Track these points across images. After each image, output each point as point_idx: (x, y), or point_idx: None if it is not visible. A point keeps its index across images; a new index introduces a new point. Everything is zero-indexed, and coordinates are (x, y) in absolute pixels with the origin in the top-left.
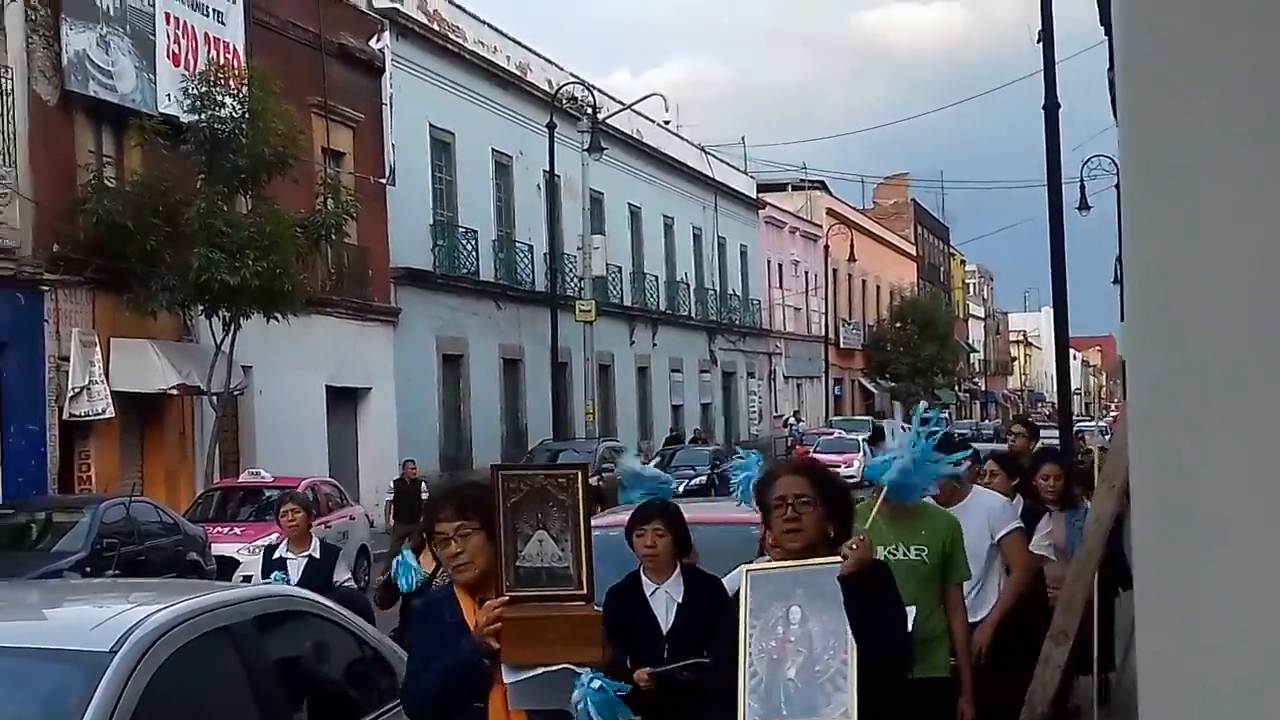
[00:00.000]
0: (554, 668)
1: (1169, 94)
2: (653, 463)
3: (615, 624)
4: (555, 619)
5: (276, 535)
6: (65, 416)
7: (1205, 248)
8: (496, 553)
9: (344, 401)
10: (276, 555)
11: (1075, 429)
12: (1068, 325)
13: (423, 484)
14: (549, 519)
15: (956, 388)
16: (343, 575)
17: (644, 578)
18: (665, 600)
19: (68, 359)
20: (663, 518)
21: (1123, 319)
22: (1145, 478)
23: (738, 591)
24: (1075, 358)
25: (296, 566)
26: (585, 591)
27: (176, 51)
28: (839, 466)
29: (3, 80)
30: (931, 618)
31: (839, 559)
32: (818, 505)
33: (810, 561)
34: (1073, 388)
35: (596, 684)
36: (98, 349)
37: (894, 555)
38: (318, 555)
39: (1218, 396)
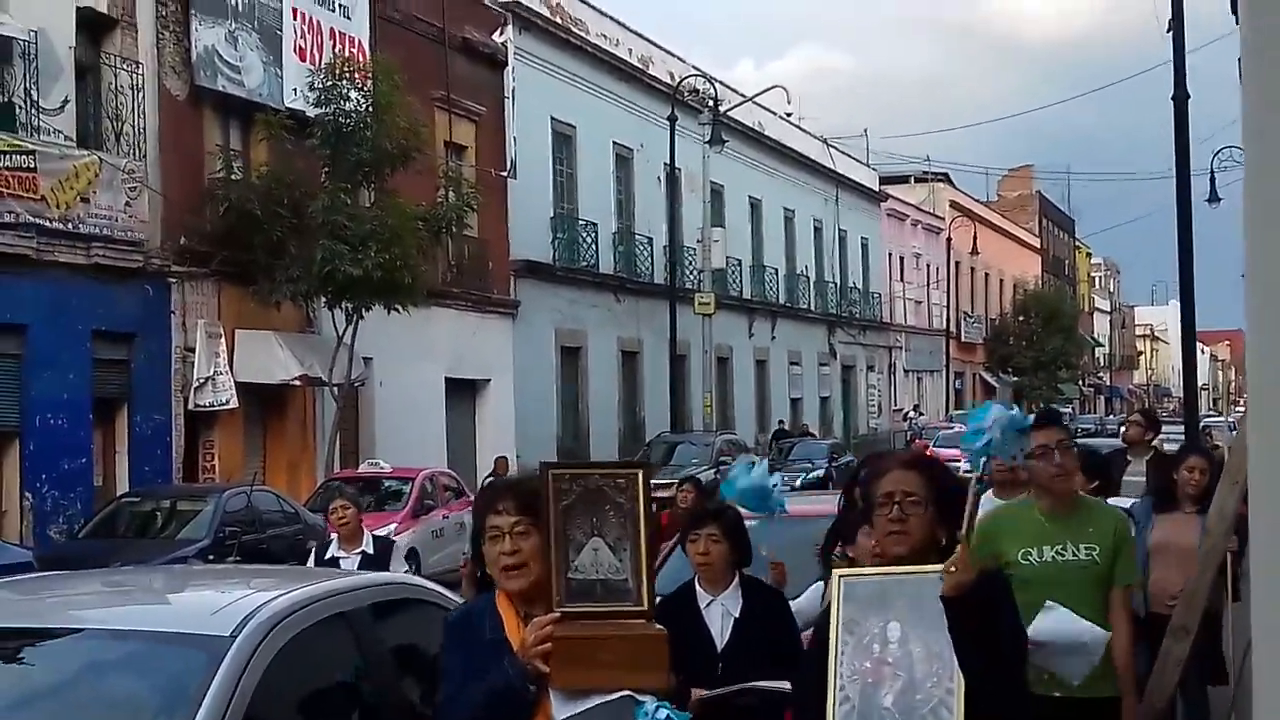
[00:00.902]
0: (613, 696)
1: None
2: (766, 460)
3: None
4: (613, 639)
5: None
6: (190, 406)
7: None
8: (548, 560)
9: (463, 393)
10: (329, 555)
11: (1202, 425)
12: (1195, 318)
13: None
14: (605, 525)
15: (1080, 382)
16: (400, 568)
17: (698, 588)
18: (721, 614)
19: (193, 350)
20: (719, 523)
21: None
22: (1264, 479)
23: (826, 604)
24: (1203, 352)
25: (351, 564)
26: (646, 608)
27: (303, 46)
28: (958, 461)
29: (134, 75)
30: (1102, 622)
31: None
32: (929, 506)
33: (913, 569)
34: (1200, 383)
35: (663, 714)
36: (222, 340)
37: (1063, 556)
38: (371, 551)
39: None
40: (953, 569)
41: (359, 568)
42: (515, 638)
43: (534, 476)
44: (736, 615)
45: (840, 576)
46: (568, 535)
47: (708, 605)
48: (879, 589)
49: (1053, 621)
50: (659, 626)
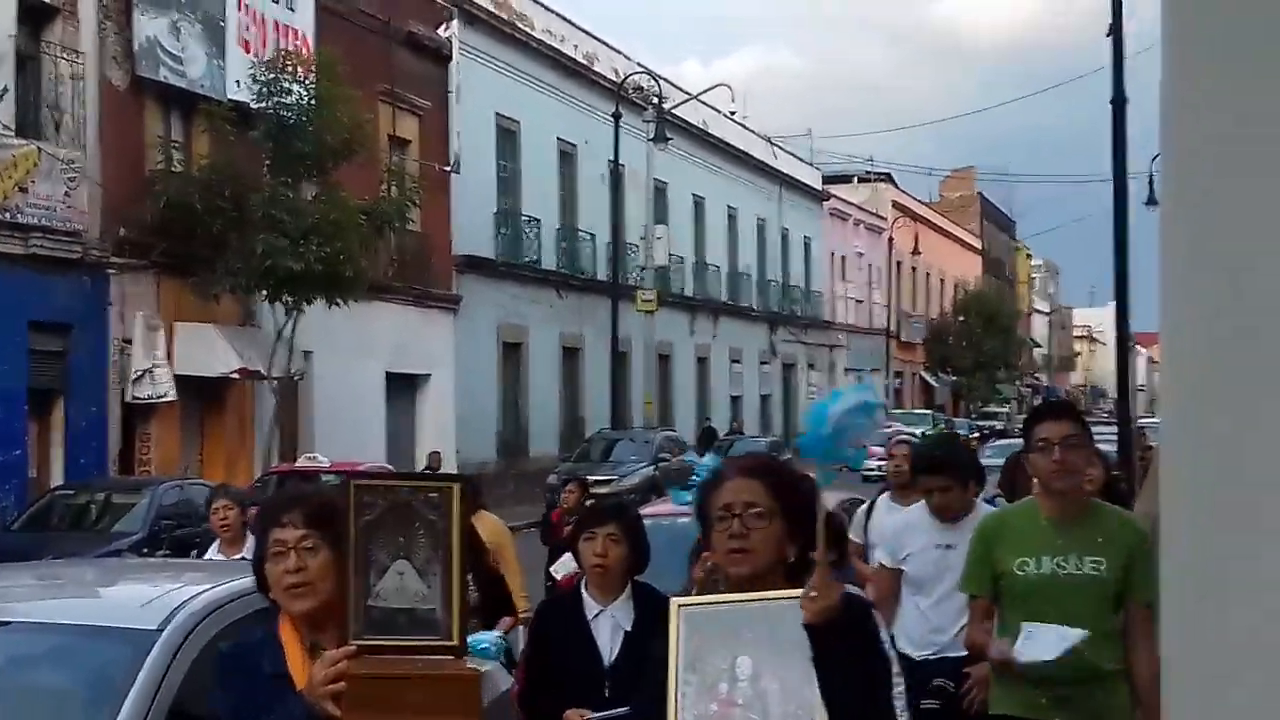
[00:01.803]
0: None
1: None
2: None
3: (548, 652)
4: (416, 679)
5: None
6: (128, 399)
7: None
8: (344, 585)
9: (403, 388)
10: (207, 558)
11: (1136, 426)
12: (1129, 321)
13: None
14: (414, 546)
15: (1019, 383)
16: None
17: (586, 595)
18: (610, 626)
19: (131, 342)
20: (619, 521)
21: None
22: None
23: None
24: (1140, 354)
25: None
26: (456, 642)
27: (247, 38)
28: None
29: (74, 65)
30: (1115, 648)
31: (798, 595)
32: (775, 519)
33: (765, 595)
34: (1138, 383)
35: None
36: (161, 333)
37: (1063, 568)
38: (252, 558)
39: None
40: (813, 594)
41: None
42: (299, 673)
43: (325, 487)
44: (628, 628)
45: (679, 606)
46: (370, 557)
47: (595, 616)
48: (725, 619)
49: (1040, 648)
50: (471, 665)
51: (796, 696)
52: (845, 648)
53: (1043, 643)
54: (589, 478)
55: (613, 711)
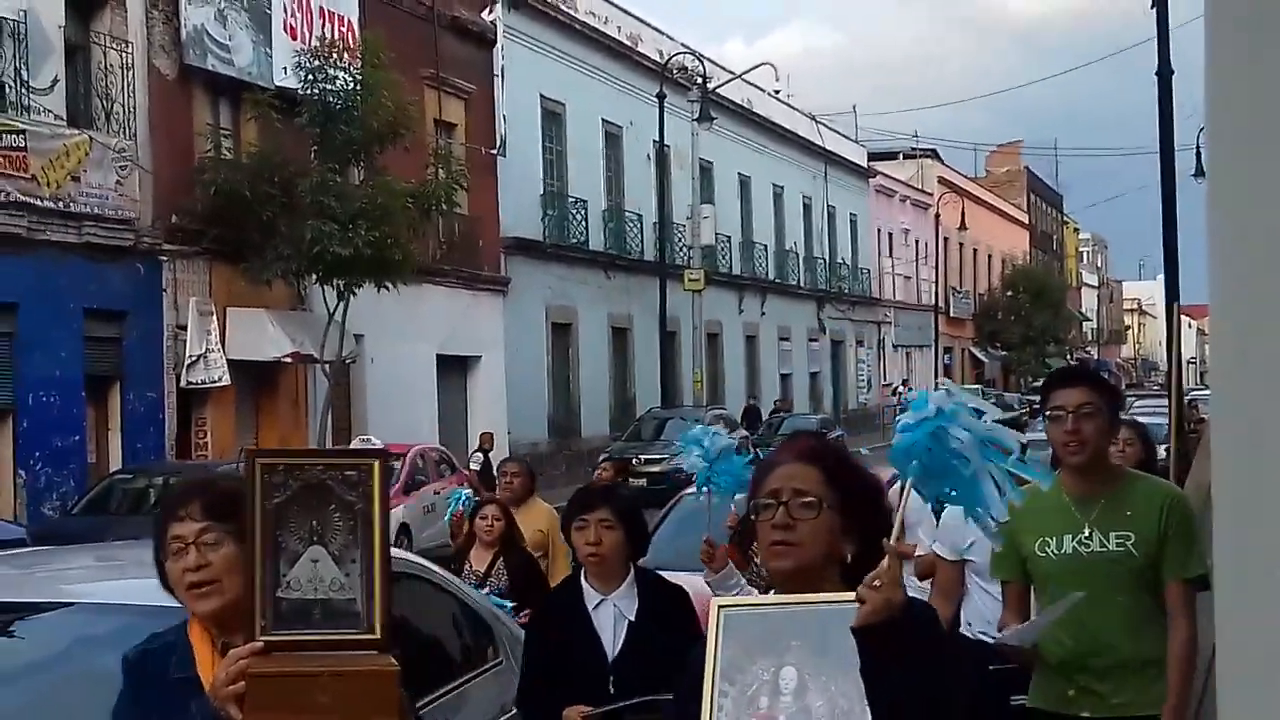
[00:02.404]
0: None
1: (1255, 67)
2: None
3: (546, 645)
4: (329, 676)
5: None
6: (183, 384)
7: None
8: (249, 575)
9: (454, 370)
10: None
11: (1189, 398)
12: (1179, 293)
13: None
14: (329, 530)
15: (1069, 357)
16: None
17: (585, 584)
18: (613, 616)
19: (185, 328)
20: (611, 506)
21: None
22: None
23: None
24: (1190, 326)
25: None
26: (378, 635)
27: (292, 25)
28: None
29: (123, 54)
30: (1150, 632)
31: (855, 600)
32: (827, 509)
33: (816, 598)
34: (1188, 356)
35: None
36: (214, 318)
37: (1086, 547)
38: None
39: None
40: (877, 584)
41: None
42: (209, 675)
43: (229, 475)
44: (631, 618)
45: (720, 608)
46: (279, 543)
47: (597, 606)
48: (768, 624)
49: (1030, 629)
50: (390, 659)
51: (845, 716)
52: (906, 661)
53: (1037, 623)
54: (642, 456)
55: (613, 706)
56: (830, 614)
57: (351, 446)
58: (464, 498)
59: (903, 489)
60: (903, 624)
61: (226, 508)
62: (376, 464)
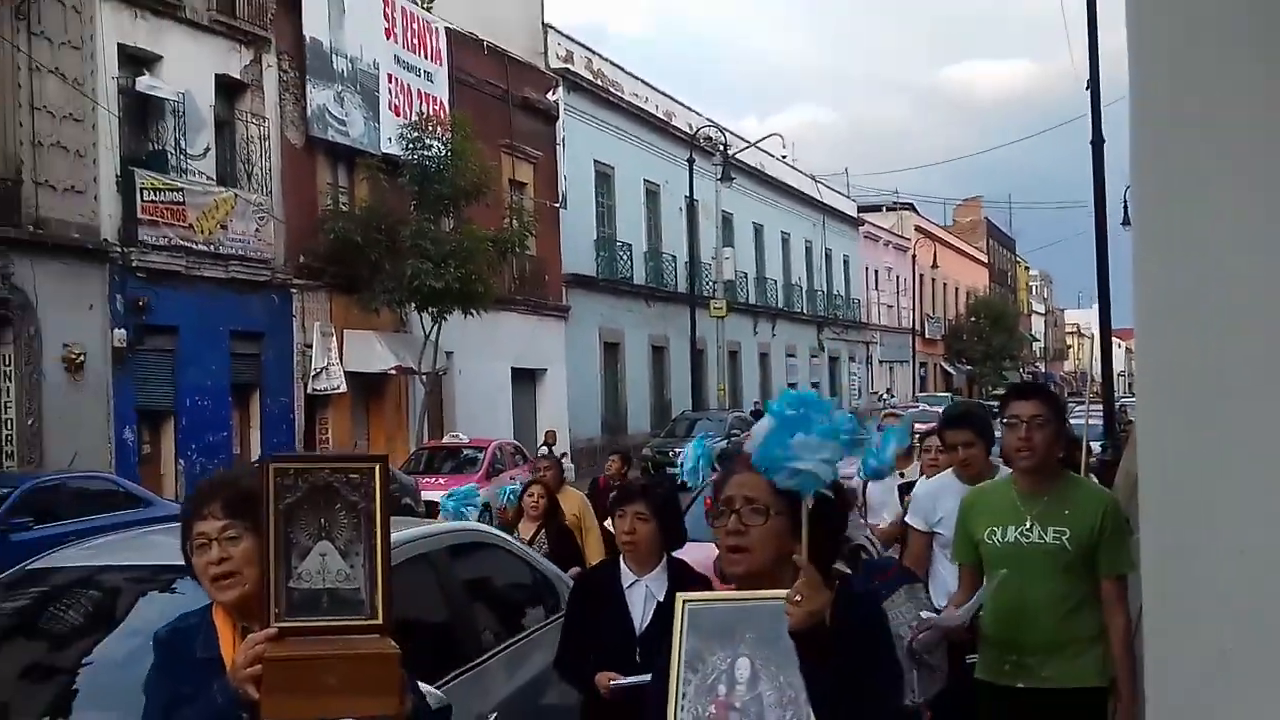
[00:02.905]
0: None
1: (1168, 131)
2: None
3: (583, 618)
4: (335, 659)
5: (474, 485)
6: (309, 391)
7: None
8: (264, 568)
9: (524, 380)
10: None
11: (1119, 404)
12: (1110, 319)
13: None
14: (335, 527)
15: (1021, 370)
16: None
17: (624, 566)
18: (644, 595)
19: (310, 346)
20: (647, 500)
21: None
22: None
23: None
24: (1119, 345)
25: None
26: (380, 620)
27: (396, 104)
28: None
29: (261, 128)
30: (1077, 616)
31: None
32: (775, 515)
33: (766, 594)
34: (1117, 370)
35: None
36: (333, 338)
37: (1026, 539)
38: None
39: (1209, 394)
40: (797, 598)
41: None
42: (230, 656)
43: (246, 475)
44: (660, 599)
45: (684, 601)
46: (290, 539)
47: (630, 585)
48: (726, 617)
49: (966, 614)
50: (392, 643)
51: (792, 705)
52: (843, 657)
53: (970, 606)
54: (676, 450)
55: (637, 678)
56: (779, 609)
57: (444, 441)
58: (509, 492)
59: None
60: (837, 623)
61: (245, 506)
62: (378, 467)
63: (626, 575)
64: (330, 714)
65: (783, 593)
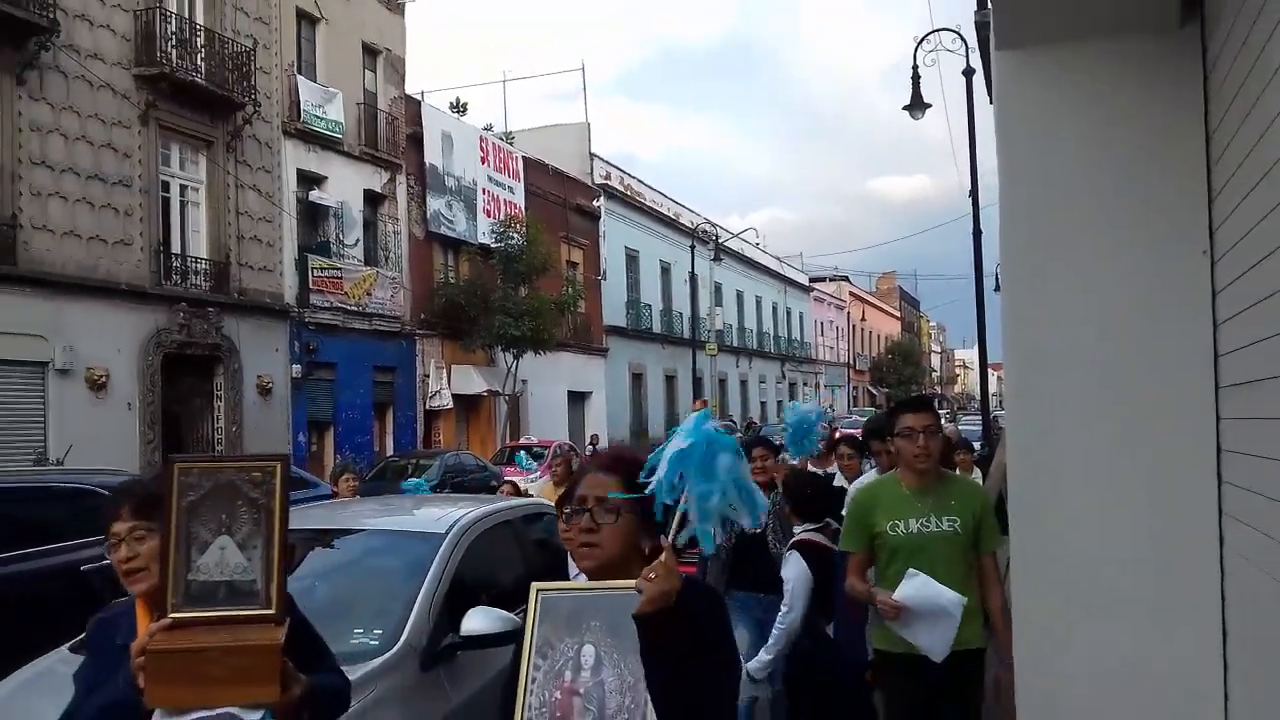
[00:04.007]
0: (214, 713)
1: (1025, 228)
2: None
3: None
4: (216, 651)
5: (540, 473)
6: (426, 408)
7: (1046, 319)
8: (164, 562)
9: (577, 399)
10: None
11: (994, 416)
12: (987, 355)
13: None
14: (236, 522)
15: (922, 392)
16: None
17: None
18: None
19: (428, 376)
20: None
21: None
22: (1017, 454)
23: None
24: (993, 374)
25: None
26: (273, 610)
27: (488, 208)
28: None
29: (394, 225)
30: (968, 590)
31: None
32: (626, 512)
33: (614, 584)
34: (992, 392)
35: None
36: (444, 371)
37: (928, 528)
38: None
39: (1053, 407)
40: (652, 576)
41: None
42: None
43: (156, 480)
44: None
45: (538, 591)
46: (191, 533)
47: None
48: (575, 606)
49: (914, 588)
50: (276, 635)
51: (631, 691)
52: (683, 643)
53: (917, 588)
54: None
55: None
56: (623, 599)
57: (521, 441)
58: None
59: None
60: (682, 611)
61: (152, 507)
62: (279, 466)
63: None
64: (211, 702)
65: (629, 583)
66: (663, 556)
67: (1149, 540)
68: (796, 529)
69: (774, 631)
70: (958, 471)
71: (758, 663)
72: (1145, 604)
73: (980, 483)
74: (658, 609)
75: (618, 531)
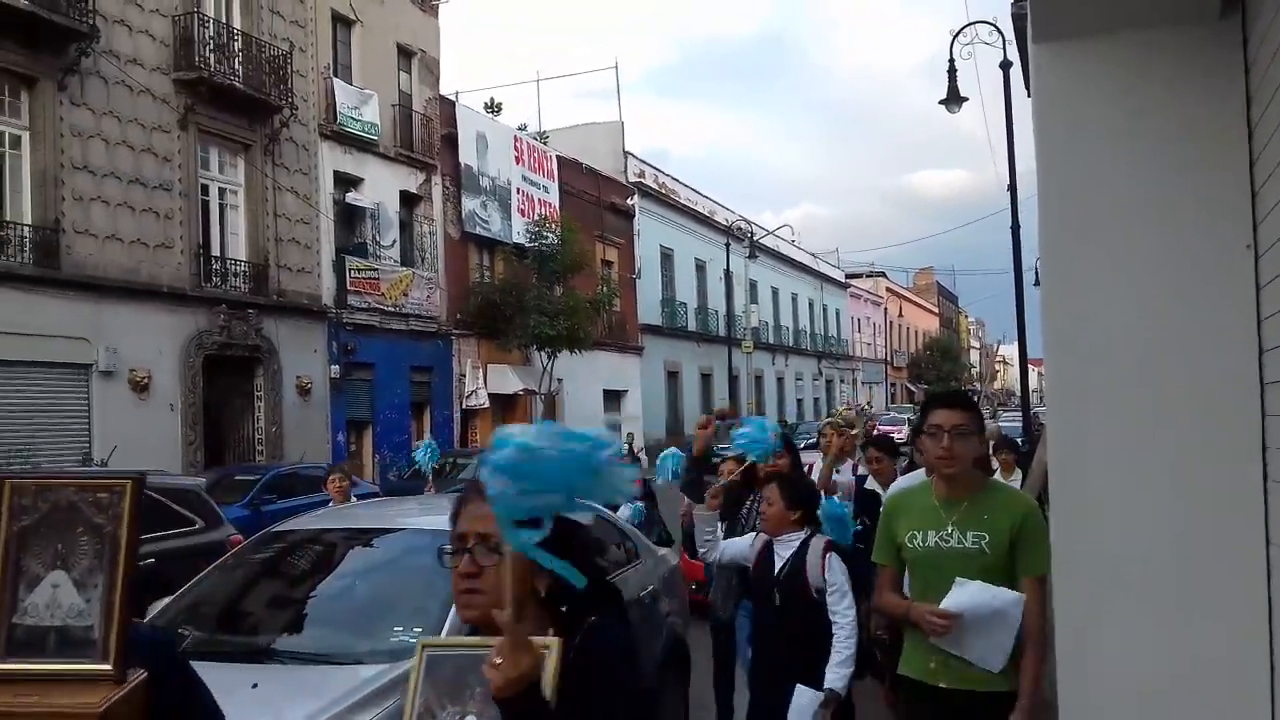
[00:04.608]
0: None
1: (1064, 222)
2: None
3: None
4: (25, 717)
5: None
6: (463, 407)
7: (1085, 312)
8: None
9: (612, 398)
10: None
11: (1034, 412)
12: (1027, 351)
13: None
14: (74, 553)
15: (963, 387)
16: None
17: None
18: None
19: (464, 375)
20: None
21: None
22: (1057, 451)
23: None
24: (1033, 370)
25: None
26: (110, 666)
27: (523, 208)
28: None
29: (430, 226)
30: None
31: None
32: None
33: (498, 642)
34: (1032, 388)
35: None
36: (480, 370)
37: (945, 543)
38: None
39: (1094, 404)
40: (497, 660)
41: None
42: None
43: None
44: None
45: (423, 647)
46: (20, 566)
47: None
48: (459, 666)
49: (966, 595)
50: (97, 702)
51: None
52: (565, 715)
53: (971, 595)
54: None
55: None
56: None
57: None
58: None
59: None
60: (566, 674)
61: None
62: (130, 485)
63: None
64: None
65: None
66: (503, 639)
67: (1193, 540)
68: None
69: (842, 638)
70: (997, 473)
71: (840, 680)
72: (1189, 605)
73: (1021, 483)
74: (509, 695)
75: (497, 575)
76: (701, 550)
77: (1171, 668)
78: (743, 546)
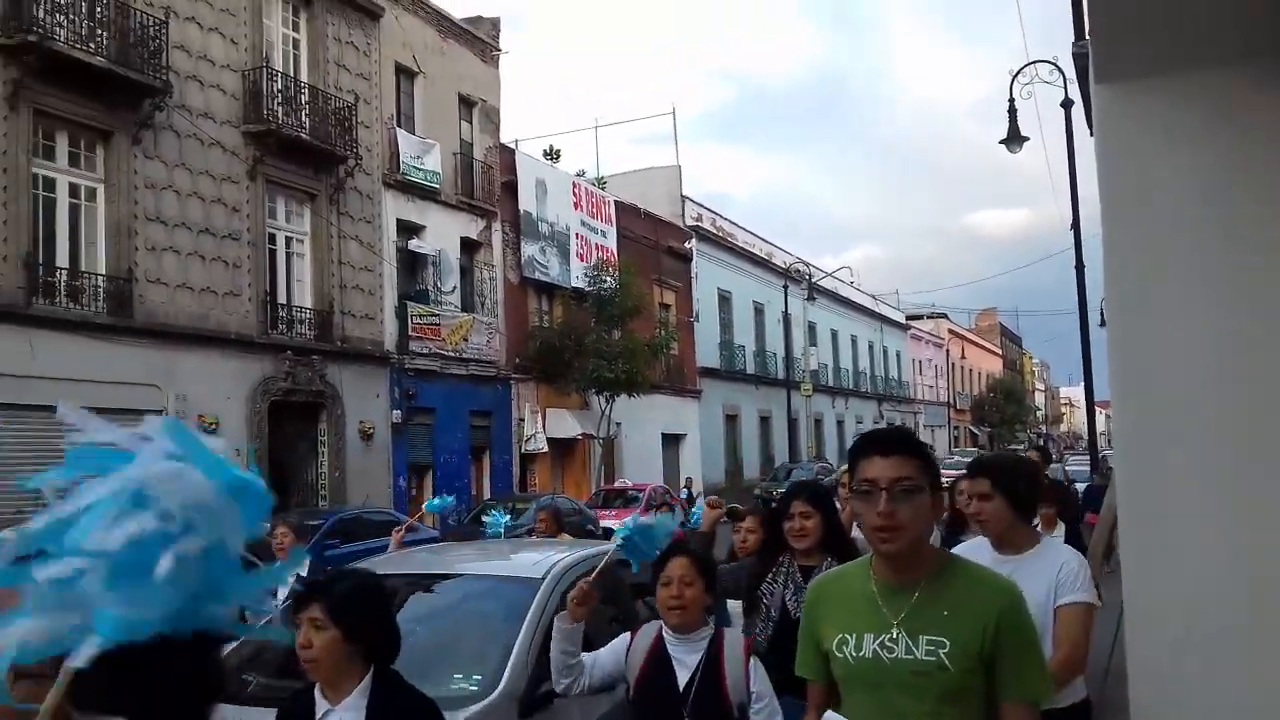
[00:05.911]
0: None
1: (1130, 261)
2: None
3: None
4: None
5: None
6: (522, 451)
7: (1152, 356)
8: None
9: (671, 442)
10: None
11: (1103, 455)
12: (1094, 393)
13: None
14: None
15: (1029, 430)
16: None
17: (318, 696)
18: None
19: (523, 420)
20: (326, 603)
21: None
22: (1127, 496)
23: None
24: (1101, 413)
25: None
26: None
27: (581, 253)
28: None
29: (490, 271)
30: None
31: None
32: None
33: None
34: (1100, 431)
35: None
36: (539, 415)
37: (890, 653)
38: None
39: (1165, 449)
40: None
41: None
42: None
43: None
44: None
45: None
46: None
47: (323, 715)
48: None
49: None
50: None
51: None
52: None
53: None
54: (777, 490)
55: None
56: None
57: (615, 484)
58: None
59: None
60: None
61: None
62: None
63: (320, 703)
64: None
65: None
66: None
67: (1268, 586)
68: None
69: None
70: (1038, 528)
71: None
72: (1266, 653)
73: (1044, 553)
74: None
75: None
76: (559, 684)
77: (1249, 714)
78: (616, 654)
